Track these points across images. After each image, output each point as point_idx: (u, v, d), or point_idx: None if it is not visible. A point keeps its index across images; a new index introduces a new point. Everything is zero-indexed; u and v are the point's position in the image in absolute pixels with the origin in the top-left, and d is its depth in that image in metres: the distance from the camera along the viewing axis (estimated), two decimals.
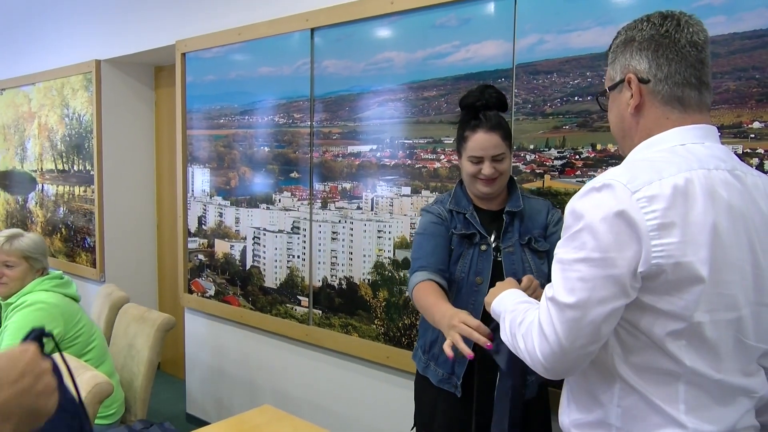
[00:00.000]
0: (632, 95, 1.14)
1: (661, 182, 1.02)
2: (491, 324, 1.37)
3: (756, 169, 1.60)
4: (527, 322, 1.13)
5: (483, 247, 1.74)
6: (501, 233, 1.75)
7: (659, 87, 1.12)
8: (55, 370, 0.81)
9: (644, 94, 1.14)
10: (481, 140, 1.70)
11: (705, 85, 1.13)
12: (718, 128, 1.65)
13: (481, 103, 1.72)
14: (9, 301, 2.36)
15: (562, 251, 1.08)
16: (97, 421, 2.09)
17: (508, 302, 1.26)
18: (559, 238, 1.11)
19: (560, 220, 1.76)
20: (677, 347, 1.06)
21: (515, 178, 2.06)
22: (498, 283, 1.38)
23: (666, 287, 1.03)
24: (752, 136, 1.62)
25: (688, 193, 1.02)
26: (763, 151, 1.61)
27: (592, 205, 1.04)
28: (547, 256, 1.75)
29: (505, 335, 1.20)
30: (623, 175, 1.03)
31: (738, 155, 1.62)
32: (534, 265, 1.74)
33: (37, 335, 0.83)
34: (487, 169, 1.70)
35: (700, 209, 1.02)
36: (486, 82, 1.98)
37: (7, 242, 2.36)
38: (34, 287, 2.35)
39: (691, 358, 1.06)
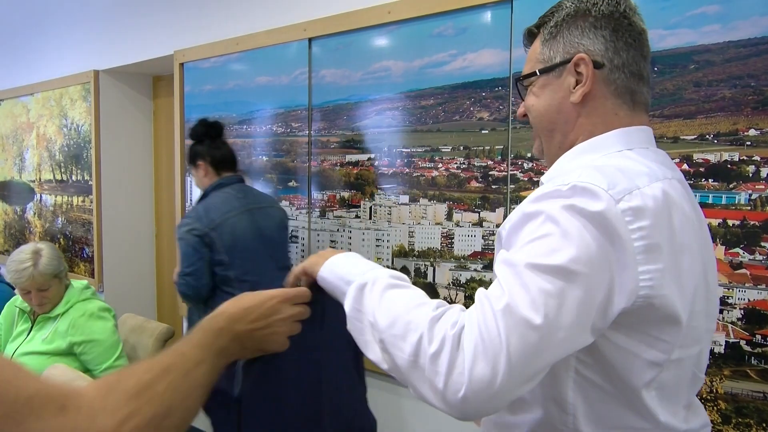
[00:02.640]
0: (581, 81, 0.94)
1: (641, 191, 0.83)
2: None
3: (752, 176, 1.62)
4: (449, 321, 0.78)
5: None
6: None
7: (614, 75, 0.94)
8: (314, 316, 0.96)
9: (595, 81, 0.94)
10: None
11: (649, 82, 0.99)
12: (714, 136, 1.67)
13: None
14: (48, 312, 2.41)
15: (519, 252, 0.81)
16: None
17: (363, 268, 0.91)
18: None
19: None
20: (651, 399, 0.88)
21: (512, 186, 2.07)
22: (320, 252, 1.02)
23: (647, 325, 0.84)
24: (748, 143, 1.63)
25: (668, 206, 0.84)
26: (759, 159, 1.62)
27: (564, 207, 0.80)
28: None
29: (370, 326, 0.84)
30: (598, 178, 0.82)
31: (734, 162, 1.63)
32: None
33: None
34: None
35: (677, 228, 0.85)
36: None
37: (33, 268, 2.31)
38: (77, 297, 2.40)
39: (663, 411, 0.89)
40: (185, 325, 3.50)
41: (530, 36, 1.04)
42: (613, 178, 0.83)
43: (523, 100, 1.05)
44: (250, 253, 2.36)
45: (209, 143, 2.48)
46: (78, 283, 2.50)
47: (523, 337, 0.75)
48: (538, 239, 0.80)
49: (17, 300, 2.46)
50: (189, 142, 2.62)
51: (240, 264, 2.33)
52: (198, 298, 2.34)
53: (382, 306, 0.84)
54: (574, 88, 0.95)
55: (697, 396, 1.01)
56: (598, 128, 0.95)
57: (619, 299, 0.81)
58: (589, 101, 0.95)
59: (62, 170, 4.45)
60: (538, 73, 0.99)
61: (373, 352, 0.85)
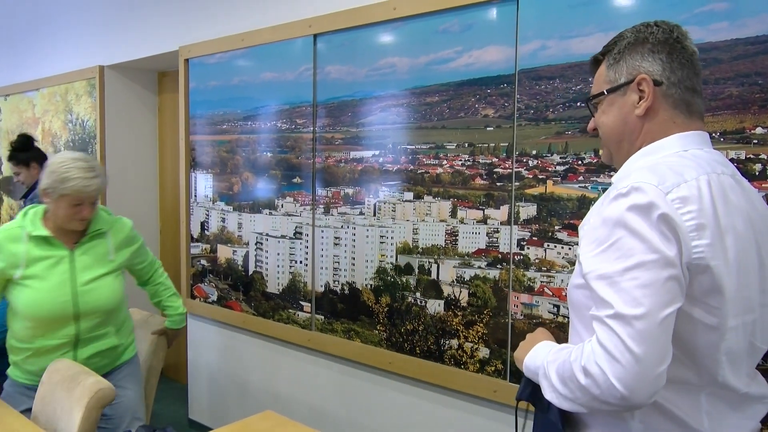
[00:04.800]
0: (642, 97, 1.13)
1: (687, 184, 1.01)
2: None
3: (758, 174, 1.61)
4: (585, 354, 0.99)
5: None
6: None
7: (671, 91, 1.12)
8: None
9: (656, 96, 1.12)
10: None
11: (701, 94, 1.16)
12: (720, 134, 1.66)
13: None
14: (91, 231, 2.21)
15: (602, 266, 1.00)
16: (101, 424, 2.11)
17: (544, 353, 1.14)
18: None
19: None
20: (720, 363, 1.04)
21: (517, 183, 2.07)
22: (529, 335, 1.26)
23: (701, 292, 1.01)
24: (755, 141, 1.62)
25: (712, 195, 1.02)
26: (766, 157, 1.61)
27: (626, 210, 0.99)
28: None
29: (552, 388, 1.06)
30: (650, 178, 1.01)
31: (741, 161, 1.63)
32: None
33: None
34: None
35: (722, 212, 1.02)
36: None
37: (100, 179, 2.13)
38: (107, 211, 2.33)
39: (726, 374, 1.05)
40: (188, 320, 3.51)
41: (595, 63, 1.23)
42: (663, 175, 1.01)
43: (593, 117, 1.23)
44: None
45: (35, 150, 3.58)
46: None
47: (635, 328, 0.94)
48: (615, 243, 0.99)
49: (25, 227, 2.12)
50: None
51: None
52: None
53: (552, 377, 1.07)
54: (638, 104, 1.13)
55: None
56: (658, 135, 1.13)
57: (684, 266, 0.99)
58: (650, 113, 1.13)
59: None
60: (606, 93, 1.18)
61: (559, 402, 1.06)
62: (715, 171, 1.06)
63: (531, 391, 1.18)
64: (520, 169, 2.07)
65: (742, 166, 1.62)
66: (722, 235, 1.01)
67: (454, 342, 2.25)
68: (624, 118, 1.16)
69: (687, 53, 1.13)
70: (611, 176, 1.86)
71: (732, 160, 1.63)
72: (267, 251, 2.98)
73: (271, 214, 2.96)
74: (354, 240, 2.59)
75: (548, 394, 1.07)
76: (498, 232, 2.13)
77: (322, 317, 2.73)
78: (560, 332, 1.91)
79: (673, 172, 1.03)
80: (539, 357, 1.13)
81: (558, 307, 1.99)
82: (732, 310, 1.03)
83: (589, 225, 1.06)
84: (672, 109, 1.12)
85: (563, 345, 1.13)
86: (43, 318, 2.10)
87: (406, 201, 2.39)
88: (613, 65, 1.17)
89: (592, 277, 1.01)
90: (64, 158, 2.13)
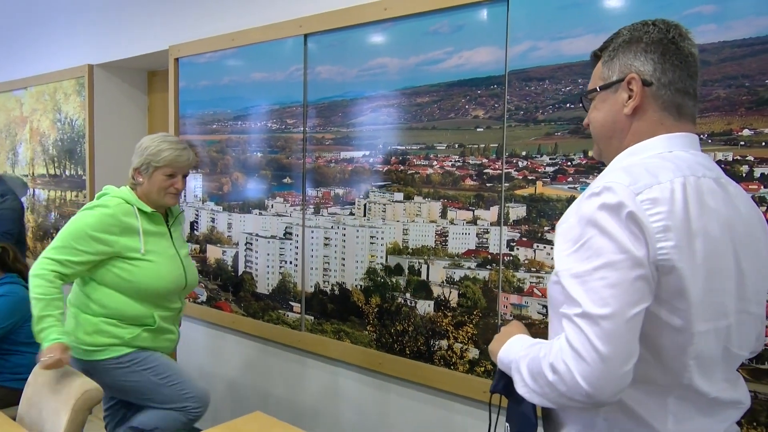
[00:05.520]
0: (631, 96, 1.13)
1: (660, 186, 1.01)
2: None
3: (745, 176, 1.62)
4: (553, 352, 1.01)
5: None
6: None
7: (661, 92, 1.11)
8: None
9: (645, 96, 1.12)
10: None
11: (696, 97, 1.16)
12: (708, 135, 1.67)
13: None
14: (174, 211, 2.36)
15: (574, 264, 1.01)
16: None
17: (517, 348, 1.15)
18: None
19: None
20: (688, 366, 1.04)
21: (507, 184, 2.07)
22: (503, 328, 1.28)
23: (667, 293, 1.01)
24: (742, 143, 1.63)
25: (686, 198, 1.02)
26: (752, 158, 1.62)
27: (597, 209, 1.01)
28: None
29: (523, 382, 1.08)
30: (622, 178, 1.01)
31: (728, 162, 1.64)
32: None
33: None
34: None
35: (694, 215, 1.01)
36: None
37: (187, 150, 2.24)
38: None
39: (695, 376, 1.05)
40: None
41: (595, 58, 1.24)
42: (637, 176, 1.02)
43: (587, 112, 1.25)
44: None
45: None
46: None
47: (601, 327, 0.95)
48: (587, 242, 1.00)
49: (132, 202, 2.24)
50: None
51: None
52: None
53: (523, 372, 1.08)
54: (626, 102, 1.13)
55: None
56: (646, 135, 1.13)
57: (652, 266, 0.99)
58: (639, 113, 1.13)
59: (56, 165, 4.43)
60: (598, 90, 1.19)
61: (529, 396, 1.08)
62: (694, 174, 1.05)
63: (505, 383, 1.19)
64: (509, 170, 2.07)
65: (730, 168, 1.64)
66: (691, 238, 1.01)
67: (444, 343, 2.25)
68: (614, 116, 1.16)
69: (682, 55, 1.12)
70: None
71: (719, 162, 1.65)
72: (257, 251, 2.97)
73: (261, 214, 2.95)
74: (344, 240, 2.59)
75: (520, 389, 1.09)
76: (488, 232, 2.13)
77: (312, 318, 2.72)
78: None
79: (648, 173, 1.03)
80: (513, 351, 1.15)
81: (547, 308, 1.99)
82: (701, 314, 1.03)
83: (567, 224, 1.07)
84: (661, 111, 1.12)
85: (536, 340, 1.15)
86: (166, 290, 2.18)
87: (396, 201, 2.39)
88: (608, 62, 1.17)
89: (564, 275, 1.02)
90: (152, 137, 2.27)
